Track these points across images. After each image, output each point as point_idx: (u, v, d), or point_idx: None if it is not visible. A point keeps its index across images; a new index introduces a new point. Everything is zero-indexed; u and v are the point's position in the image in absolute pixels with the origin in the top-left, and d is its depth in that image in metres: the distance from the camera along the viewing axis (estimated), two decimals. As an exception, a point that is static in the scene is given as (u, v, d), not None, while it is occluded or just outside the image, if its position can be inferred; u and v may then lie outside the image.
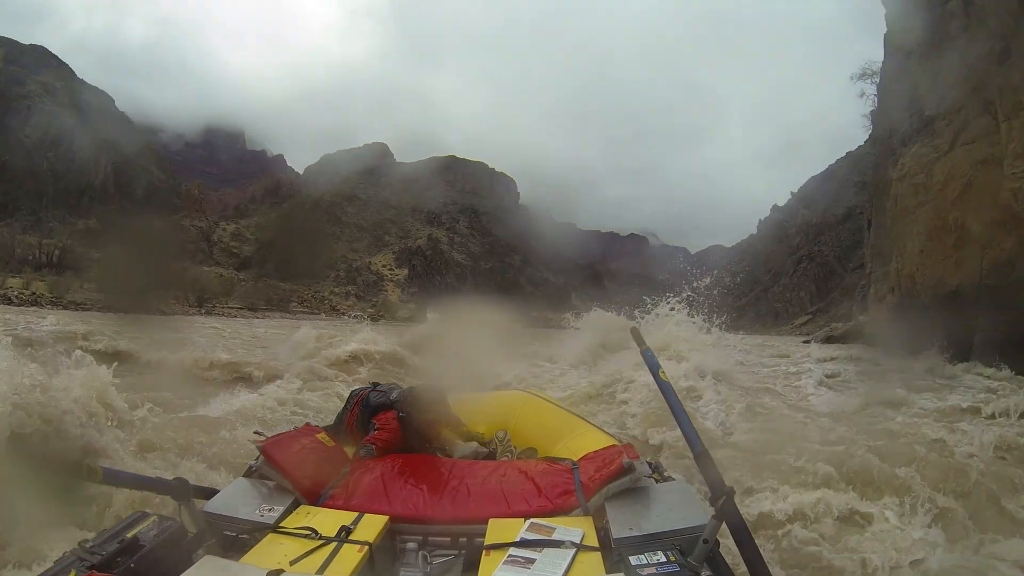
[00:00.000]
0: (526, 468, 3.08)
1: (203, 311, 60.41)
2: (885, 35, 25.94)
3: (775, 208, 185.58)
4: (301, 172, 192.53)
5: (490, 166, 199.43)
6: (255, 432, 3.62)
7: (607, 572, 2.04)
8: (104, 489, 3.56)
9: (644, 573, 1.96)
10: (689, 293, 12.33)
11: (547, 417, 4.09)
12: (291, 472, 2.73)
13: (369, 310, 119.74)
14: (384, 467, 3.08)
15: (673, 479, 2.82)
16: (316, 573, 2.07)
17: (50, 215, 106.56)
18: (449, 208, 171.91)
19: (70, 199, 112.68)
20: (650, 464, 2.90)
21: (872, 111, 42.92)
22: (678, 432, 2.47)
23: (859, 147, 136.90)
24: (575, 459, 3.12)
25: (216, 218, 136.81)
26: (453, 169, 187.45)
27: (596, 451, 3.07)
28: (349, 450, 3.45)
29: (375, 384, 4.05)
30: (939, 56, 18.42)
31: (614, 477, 2.55)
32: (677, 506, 2.38)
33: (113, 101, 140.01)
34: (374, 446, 3.40)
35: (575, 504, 2.62)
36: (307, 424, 3.59)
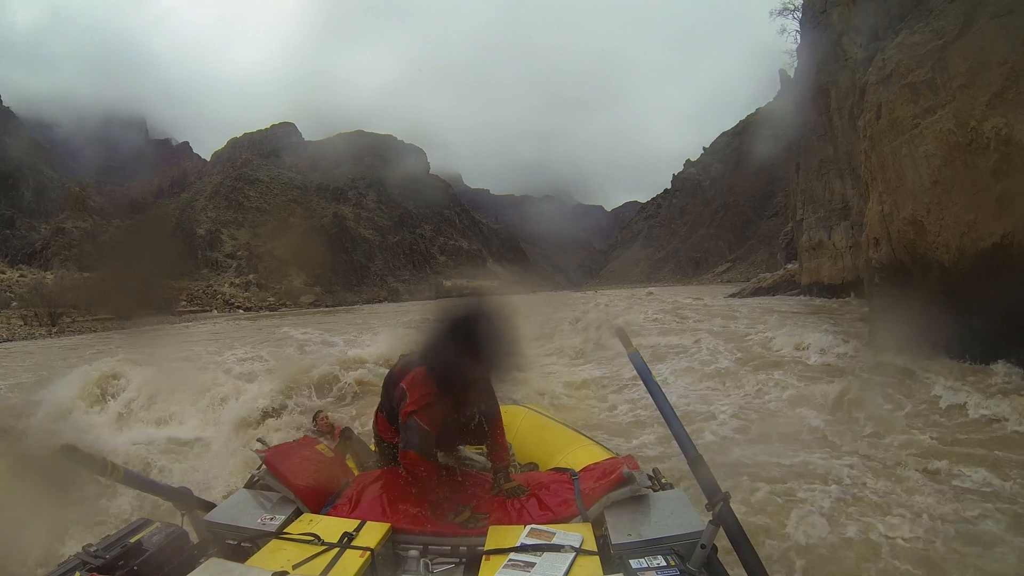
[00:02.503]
0: (526, 479, 2.98)
1: (55, 331, 47.80)
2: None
3: (688, 163, 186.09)
4: (208, 159, 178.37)
5: (398, 138, 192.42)
6: (257, 441, 3.53)
7: (606, 575, 2.05)
8: (106, 495, 4.03)
9: None
10: None
11: (547, 432, 3.98)
12: (293, 482, 2.70)
13: (270, 299, 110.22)
14: (386, 479, 2.96)
15: (672, 487, 2.72)
16: None
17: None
18: (357, 183, 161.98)
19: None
20: (650, 475, 2.77)
21: (797, 47, 39.10)
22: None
23: (768, 103, 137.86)
24: (575, 470, 3.00)
25: (111, 215, 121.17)
26: (360, 143, 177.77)
27: (596, 463, 3.00)
28: (350, 461, 3.32)
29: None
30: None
31: (614, 487, 2.51)
32: (676, 512, 2.38)
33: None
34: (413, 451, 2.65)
35: (575, 513, 2.56)
36: (306, 436, 3.48)
